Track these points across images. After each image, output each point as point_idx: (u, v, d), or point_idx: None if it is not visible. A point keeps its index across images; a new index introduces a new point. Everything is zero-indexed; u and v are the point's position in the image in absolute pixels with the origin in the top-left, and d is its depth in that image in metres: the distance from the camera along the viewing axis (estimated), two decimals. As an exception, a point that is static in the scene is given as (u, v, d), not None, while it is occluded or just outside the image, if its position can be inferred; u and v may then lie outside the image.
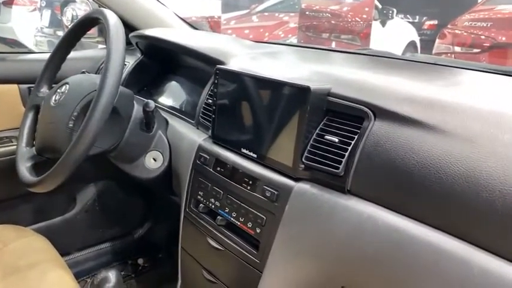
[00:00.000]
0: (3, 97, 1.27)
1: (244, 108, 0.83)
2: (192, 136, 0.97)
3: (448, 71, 0.93)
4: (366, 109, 0.66)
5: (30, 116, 1.09)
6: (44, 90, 1.10)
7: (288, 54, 1.16)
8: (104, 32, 1.46)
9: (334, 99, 0.71)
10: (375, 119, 0.65)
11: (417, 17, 6.89)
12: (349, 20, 3.71)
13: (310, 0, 4.17)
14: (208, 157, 0.89)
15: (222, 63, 0.97)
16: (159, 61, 1.28)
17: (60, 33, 4.85)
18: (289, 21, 4.51)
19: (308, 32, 3.92)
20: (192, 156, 0.93)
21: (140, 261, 1.58)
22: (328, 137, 0.69)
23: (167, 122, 1.07)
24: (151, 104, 0.97)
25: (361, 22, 3.68)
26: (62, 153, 0.89)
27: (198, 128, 0.99)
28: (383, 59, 1.10)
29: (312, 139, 0.71)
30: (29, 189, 0.91)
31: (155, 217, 1.63)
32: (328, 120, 0.71)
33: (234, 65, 0.93)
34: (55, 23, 4.85)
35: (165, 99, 1.21)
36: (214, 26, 3.84)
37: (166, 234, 1.63)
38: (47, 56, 1.36)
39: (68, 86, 0.97)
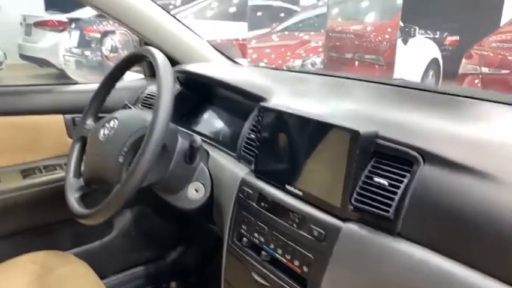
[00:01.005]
0: (49, 127, 1.33)
1: (289, 145, 0.85)
2: (234, 169, 1.00)
3: (488, 106, 0.94)
4: (414, 153, 0.68)
5: (77, 147, 1.13)
6: (90, 122, 1.15)
7: (325, 87, 1.19)
8: (142, 65, 1.52)
9: (381, 141, 0.73)
10: (424, 163, 0.67)
11: (438, 32, 6.87)
12: (373, 40, 3.74)
13: (333, 21, 4.22)
14: (251, 192, 0.91)
15: (263, 99, 1.00)
16: (198, 92, 1.32)
17: (88, 53, 5.01)
18: (310, 40, 4.56)
19: (332, 52, 3.96)
20: (234, 190, 0.96)
21: (173, 284, 1.60)
22: (377, 179, 0.70)
23: (208, 154, 1.10)
24: (198, 140, 1.00)
25: (385, 42, 3.70)
26: (111, 185, 0.94)
27: (239, 161, 1.02)
28: (418, 92, 1.12)
29: (360, 181, 0.72)
30: (80, 220, 0.95)
31: (188, 241, 1.66)
32: (376, 162, 0.73)
33: (276, 102, 0.96)
34: (83, 43, 5.01)
35: (204, 129, 1.24)
36: (239, 48, 3.92)
37: (198, 258, 1.66)
38: (89, 86, 1.44)
39: (116, 121, 1.02)
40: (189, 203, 1.06)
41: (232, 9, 4.91)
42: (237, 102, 1.15)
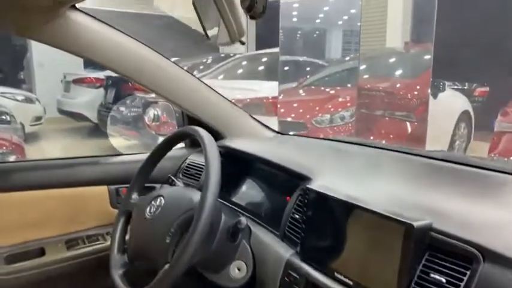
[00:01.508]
0: (93, 198, 1.37)
1: (337, 231, 0.85)
2: (278, 249, 0.99)
3: None
4: (473, 250, 0.66)
5: (122, 221, 1.16)
6: (135, 196, 1.18)
7: (365, 162, 1.19)
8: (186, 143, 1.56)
9: (436, 235, 0.71)
10: (484, 261, 0.65)
11: (466, 84, 6.85)
12: (403, 97, 3.75)
13: (362, 78, 4.29)
14: (297, 276, 0.90)
15: (307, 178, 1.01)
16: (239, 165, 1.34)
17: (122, 109, 5.22)
18: (338, 95, 4.61)
19: (362, 109, 3.98)
20: (279, 272, 0.94)
21: None
22: (434, 275, 0.68)
23: (250, 231, 1.10)
24: (244, 221, 1.01)
25: (416, 99, 3.71)
26: (156, 265, 0.94)
27: (283, 241, 1.01)
28: (463, 168, 1.09)
29: (416, 275, 0.70)
30: None
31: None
32: (431, 256, 0.71)
33: (321, 183, 0.96)
34: (118, 99, 5.25)
35: (245, 203, 1.25)
36: (269, 106, 4.01)
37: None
38: (132, 157, 1.49)
39: (163, 199, 1.04)
40: (231, 282, 1.05)
41: (261, 68, 5.08)
42: (279, 177, 1.16)
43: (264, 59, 5.43)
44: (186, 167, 1.46)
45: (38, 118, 5.92)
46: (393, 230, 0.73)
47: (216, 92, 1.46)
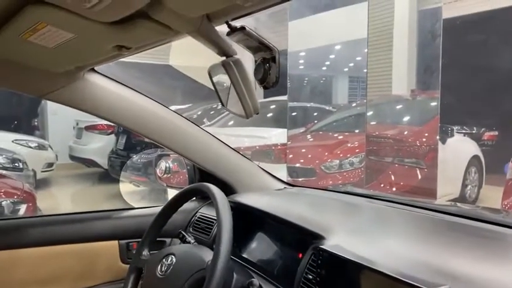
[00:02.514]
0: (104, 253, 1.36)
1: (352, 295, 0.83)
2: (291, 310, 0.97)
3: None
4: None
5: (132, 278, 1.15)
6: (146, 252, 1.17)
7: (377, 218, 1.18)
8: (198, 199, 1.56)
9: None
10: None
11: (474, 128, 6.87)
12: (412, 144, 3.77)
13: (371, 125, 4.33)
14: None
15: (320, 236, 1.00)
16: (249, 220, 1.34)
17: (133, 155, 5.28)
18: (347, 141, 4.64)
19: (370, 156, 4.00)
20: (292, 335, 0.92)
21: None
22: None
23: None
24: (256, 284, 0.99)
25: (424, 146, 3.72)
26: None
27: (296, 302, 0.99)
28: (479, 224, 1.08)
29: None
30: None
31: None
32: None
33: (334, 242, 0.95)
34: (129, 146, 5.33)
35: (256, 260, 1.23)
36: (278, 153, 4.04)
37: None
38: (142, 211, 1.50)
39: (174, 258, 1.03)
40: None
41: (270, 115, 5.17)
42: (291, 234, 1.15)
43: (272, 106, 5.53)
44: (197, 220, 1.46)
45: (50, 165, 5.99)
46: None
47: (227, 145, 1.49)
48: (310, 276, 0.96)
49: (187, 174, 1.60)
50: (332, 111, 6.18)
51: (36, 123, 8.72)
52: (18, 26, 0.71)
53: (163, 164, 1.68)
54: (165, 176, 1.71)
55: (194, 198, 1.61)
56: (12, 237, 1.25)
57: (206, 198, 1.53)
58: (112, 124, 6.27)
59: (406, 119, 4.39)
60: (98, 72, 1.15)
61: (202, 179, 1.49)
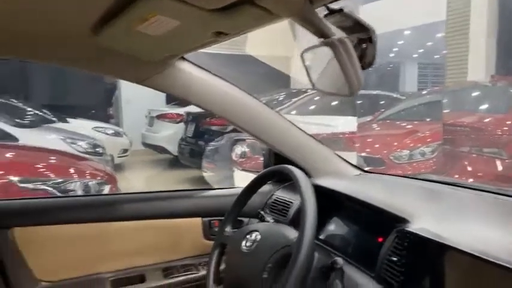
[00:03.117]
0: (188, 229, 1.46)
1: (441, 277, 0.83)
2: (373, 291, 0.98)
3: None
4: None
5: (217, 253, 1.23)
6: (229, 229, 1.24)
7: (459, 203, 1.15)
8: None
9: None
10: None
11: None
12: (492, 132, 3.54)
13: (446, 112, 4.13)
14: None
15: (404, 220, 1.00)
16: (327, 203, 1.36)
17: (201, 143, 5.49)
18: (417, 130, 4.46)
19: (445, 145, 3.82)
20: (375, 314, 0.93)
21: None
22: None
23: (343, 270, 1.10)
24: (340, 262, 1.02)
25: (507, 135, 3.47)
26: None
27: (379, 283, 1.00)
28: None
29: None
30: None
31: None
32: None
33: (421, 226, 0.95)
34: (197, 134, 5.55)
35: (334, 241, 1.26)
36: (346, 142, 4.00)
37: None
38: (224, 191, 1.58)
39: (258, 234, 1.09)
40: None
41: (335, 103, 5.09)
42: (369, 217, 1.16)
43: (338, 94, 5.44)
44: (273, 202, 1.50)
45: (125, 150, 6.41)
46: (509, 281, 0.70)
47: (303, 131, 1.51)
48: (395, 259, 0.96)
49: (262, 159, 1.65)
50: (400, 99, 5.95)
51: (111, 112, 9.36)
52: (130, 17, 0.78)
53: (238, 149, 1.75)
54: (241, 160, 1.79)
55: (269, 181, 1.67)
56: (109, 211, 1.38)
57: (282, 181, 1.58)
58: (181, 113, 6.58)
59: (485, 106, 4.11)
60: (187, 60, 1.22)
61: (277, 163, 1.53)
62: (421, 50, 7.86)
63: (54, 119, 5.95)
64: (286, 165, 1.14)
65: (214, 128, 5.30)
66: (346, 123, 4.23)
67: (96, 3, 0.80)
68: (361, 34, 0.67)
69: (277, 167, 1.20)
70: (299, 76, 9.17)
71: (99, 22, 0.90)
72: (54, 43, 1.05)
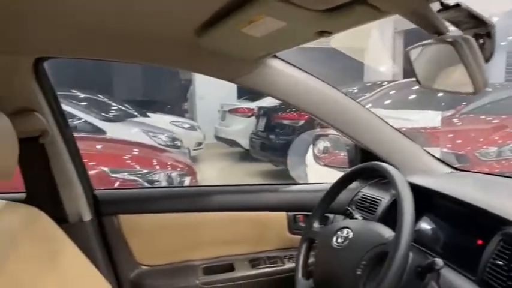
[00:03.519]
0: (274, 223, 1.50)
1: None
2: (476, 297, 0.94)
3: None
4: None
5: (305, 247, 1.25)
6: (317, 225, 1.26)
7: None
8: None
9: None
10: None
11: None
12: None
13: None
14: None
15: (509, 222, 0.94)
16: (419, 202, 1.32)
17: (272, 137, 5.55)
18: (506, 125, 4.12)
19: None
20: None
21: None
22: None
23: (439, 271, 1.07)
24: (440, 263, 0.99)
25: None
26: None
27: (480, 286, 0.96)
28: None
29: None
30: None
31: None
32: None
33: None
34: (269, 128, 5.61)
35: (428, 241, 1.22)
36: (427, 137, 3.81)
37: None
38: (309, 187, 1.59)
39: (350, 231, 1.09)
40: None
41: (412, 97, 4.86)
42: (466, 218, 1.11)
43: (415, 87, 5.18)
44: (359, 199, 1.49)
45: (199, 144, 6.69)
46: None
47: (390, 125, 1.47)
48: (500, 263, 0.92)
49: (343, 154, 1.64)
50: (486, 91, 5.51)
51: (185, 106, 9.79)
52: (237, 19, 0.82)
53: (321, 144, 1.75)
54: (323, 155, 1.79)
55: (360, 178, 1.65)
56: (202, 201, 1.46)
57: (368, 178, 1.55)
58: (252, 108, 6.69)
59: None
60: (278, 57, 1.25)
61: (364, 159, 1.51)
62: (510, 38, 7.22)
63: (135, 113, 6.36)
64: (379, 163, 1.13)
65: (285, 122, 5.32)
66: (428, 118, 4.02)
67: (203, 7, 0.85)
68: (479, 29, 0.64)
69: (370, 164, 1.18)
70: (370, 70, 8.89)
71: (203, 25, 0.95)
72: (157, 45, 1.13)
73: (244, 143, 6.60)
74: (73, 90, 5.89)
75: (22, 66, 1.10)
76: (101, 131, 4.74)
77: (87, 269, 1.05)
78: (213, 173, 6.19)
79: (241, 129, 6.70)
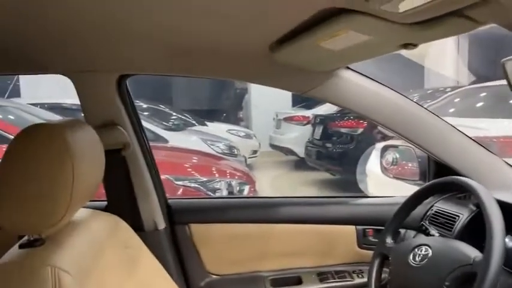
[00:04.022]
0: (342, 236, 1.47)
1: None
2: None
3: None
4: None
5: (377, 263, 1.21)
6: (390, 240, 1.22)
7: None
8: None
9: None
10: None
11: None
12: None
13: None
14: None
15: None
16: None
17: (329, 145, 5.47)
18: None
19: None
20: None
21: None
22: None
23: None
24: None
25: None
26: None
27: None
28: None
29: None
30: None
31: None
32: None
33: None
34: (325, 136, 5.54)
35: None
36: (501, 146, 3.57)
37: None
38: (378, 200, 1.55)
39: (429, 249, 1.04)
40: None
41: (480, 104, 4.58)
42: None
43: (483, 94, 4.87)
44: (434, 214, 1.42)
45: (255, 152, 6.76)
46: None
47: (467, 136, 1.40)
48: None
49: (418, 167, 1.58)
50: None
51: (241, 115, 9.95)
52: (318, 34, 0.82)
53: (390, 155, 1.70)
54: (392, 167, 1.73)
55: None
56: (270, 213, 1.47)
57: (442, 191, 1.48)
58: (307, 115, 6.66)
59: None
60: (350, 68, 1.23)
61: (437, 172, 1.45)
62: None
63: (194, 122, 6.56)
64: (461, 178, 1.08)
65: (343, 130, 5.23)
66: (500, 126, 3.76)
67: (280, 24, 0.86)
68: None
69: (451, 179, 1.13)
70: (432, 74, 8.51)
71: (278, 40, 0.96)
72: (231, 60, 1.16)
73: (300, 151, 6.57)
74: (137, 101, 6.19)
75: (108, 83, 1.17)
76: (163, 140, 4.93)
77: (161, 276, 1.09)
78: (269, 181, 6.21)
79: (297, 137, 6.68)
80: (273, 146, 7.45)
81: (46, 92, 5.50)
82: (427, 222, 1.43)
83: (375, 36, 0.77)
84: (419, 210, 1.46)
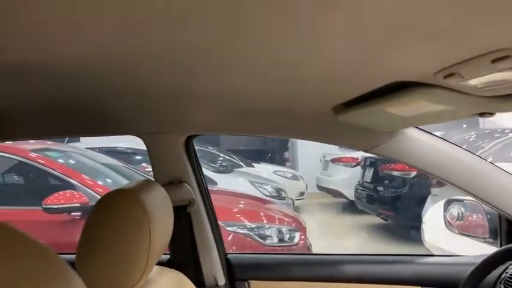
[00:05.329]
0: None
1: None
2: None
3: None
4: None
5: None
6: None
7: None
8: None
9: None
10: None
11: None
12: None
13: None
14: None
15: None
16: None
17: (380, 188, 5.31)
18: None
19: None
20: None
21: None
22: None
23: None
24: None
25: None
26: None
27: None
28: None
29: None
30: None
31: None
32: None
33: None
34: (376, 179, 5.39)
35: None
36: None
37: None
38: (446, 259, 1.47)
39: None
40: None
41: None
42: None
43: (547, 134, 4.58)
44: (509, 277, 1.32)
45: (302, 193, 6.68)
46: None
47: None
48: None
49: (487, 223, 1.49)
50: None
51: (287, 155, 9.95)
52: (388, 102, 0.82)
53: (455, 210, 1.62)
54: (457, 222, 1.65)
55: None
56: (331, 270, 1.43)
57: None
58: (356, 157, 6.54)
59: None
60: (417, 127, 1.22)
61: (510, 230, 1.36)
62: None
63: (241, 163, 6.63)
64: None
65: (395, 173, 5.07)
66: None
67: (347, 91, 0.87)
68: None
69: None
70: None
71: (343, 104, 0.98)
72: (294, 120, 1.19)
73: (348, 193, 6.42)
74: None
75: (177, 143, 1.23)
76: (213, 182, 5.00)
77: None
78: (318, 224, 6.07)
79: (345, 179, 6.56)
80: (320, 188, 7.34)
81: (102, 137, 5.82)
82: (501, 286, 1.34)
83: (449, 107, 0.76)
84: (492, 272, 1.37)
